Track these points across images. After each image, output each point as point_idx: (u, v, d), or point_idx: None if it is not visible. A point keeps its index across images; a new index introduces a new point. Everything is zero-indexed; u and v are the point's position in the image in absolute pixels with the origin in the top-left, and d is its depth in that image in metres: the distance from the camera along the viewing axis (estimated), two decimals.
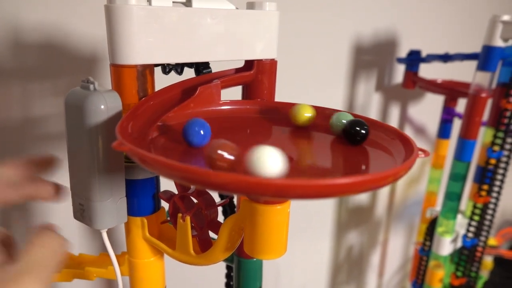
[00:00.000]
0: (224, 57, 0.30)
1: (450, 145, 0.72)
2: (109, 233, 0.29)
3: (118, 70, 0.26)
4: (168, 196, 0.30)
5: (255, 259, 0.37)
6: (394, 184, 0.88)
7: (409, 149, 0.22)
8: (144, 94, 0.27)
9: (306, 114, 0.29)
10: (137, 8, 0.25)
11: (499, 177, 0.59)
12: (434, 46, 0.77)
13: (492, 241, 0.78)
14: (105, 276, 0.33)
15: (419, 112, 0.84)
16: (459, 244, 0.65)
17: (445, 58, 0.64)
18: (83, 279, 0.33)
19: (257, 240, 0.24)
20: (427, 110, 0.83)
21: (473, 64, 0.57)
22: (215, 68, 0.32)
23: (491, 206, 0.61)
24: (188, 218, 0.27)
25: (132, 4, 0.25)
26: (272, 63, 0.33)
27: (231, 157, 0.20)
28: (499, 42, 0.53)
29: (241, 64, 0.33)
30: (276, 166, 0.18)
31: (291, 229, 0.25)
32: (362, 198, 0.83)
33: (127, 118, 0.24)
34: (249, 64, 0.32)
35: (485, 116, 0.58)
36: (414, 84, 0.71)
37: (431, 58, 0.66)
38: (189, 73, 0.31)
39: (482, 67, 0.55)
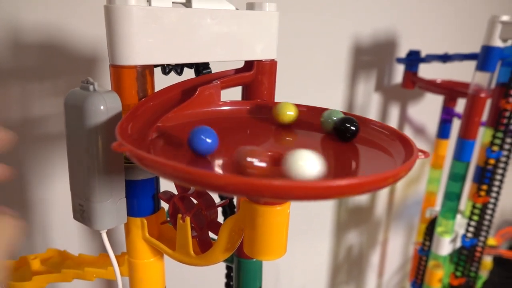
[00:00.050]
0: (224, 57, 0.30)
1: (450, 145, 0.72)
2: (109, 233, 0.29)
3: (117, 70, 0.26)
4: (168, 196, 0.30)
5: (255, 260, 0.37)
6: (393, 185, 0.88)
7: (409, 150, 0.22)
8: (144, 95, 0.27)
9: (289, 112, 0.29)
10: (136, 8, 0.25)
11: (498, 177, 0.59)
12: (434, 46, 0.77)
13: (491, 241, 0.78)
14: (105, 277, 0.33)
15: (418, 112, 0.84)
16: (458, 244, 0.65)
17: (445, 58, 0.64)
18: (82, 279, 0.33)
19: (257, 241, 0.24)
20: (427, 110, 0.83)
21: (472, 64, 0.57)
22: (215, 69, 0.32)
23: (490, 206, 0.61)
24: (188, 219, 0.27)
25: (132, 5, 0.25)
26: (272, 64, 0.33)
27: (263, 164, 0.19)
28: (498, 42, 0.53)
29: (241, 65, 0.33)
30: (315, 169, 0.18)
31: (290, 229, 0.25)
32: (362, 198, 0.83)
33: (127, 119, 0.24)
34: (249, 64, 0.32)
35: (484, 116, 0.58)
36: (414, 84, 0.71)
37: (430, 58, 0.66)
38: (189, 74, 0.31)
39: (481, 67, 0.55)
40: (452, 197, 0.61)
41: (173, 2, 0.27)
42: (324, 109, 0.30)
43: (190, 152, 0.24)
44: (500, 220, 1.16)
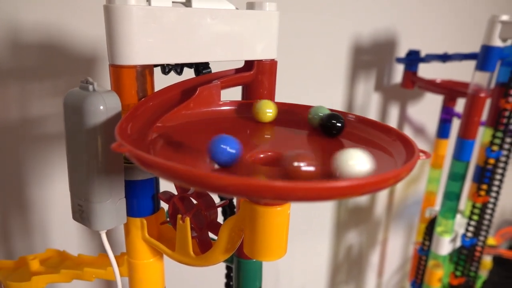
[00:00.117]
0: (224, 57, 0.30)
1: (449, 145, 0.72)
2: (109, 233, 0.29)
3: (117, 70, 0.26)
4: (168, 197, 0.30)
5: (254, 260, 0.37)
6: (393, 185, 0.88)
7: (410, 150, 0.22)
8: (144, 95, 0.27)
9: (268, 110, 0.29)
10: (136, 8, 0.25)
11: (498, 176, 0.59)
12: (433, 46, 0.77)
13: (491, 241, 0.78)
14: (104, 277, 0.33)
15: (418, 112, 0.84)
16: (458, 243, 0.65)
17: (444, 58, 0.64)
18: (82, 280, 0.33)
19: (257, 242, 0.24)
20: (426, 110, 0.83)
21: (472, 64, 0.57)
22: (215, 69, 0.32)
23: (490, 205, 0.61)
24: (187, 219, 0.27)
25: (132, 4, 0.24)
26: (272, 64, 0.32)
27: (311, 168, 0.19)
28: (498, 42, 0.53)
29: (241, 65, 0.33)
30: (366, 167, 0.19)
31: (290, 229, 0.25)
32: (362, 198, 0.83)
33: (127, 119, 0.24)
34: (249, 64, 0.32)
35: (484, 116, 0.58)
36: (413, 84, 0.71)
37: (430, 58, 0.66)
38: (188, 74, 0.31)
39: (481, 67, 0.55)
40: (452, 197, 0.61)
41: (173, 2, 0.27)
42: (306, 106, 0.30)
43: (190, 152, 0.24)
44: (499, 220, 1.16)
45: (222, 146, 0.20)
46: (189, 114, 0.28)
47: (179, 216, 0.27)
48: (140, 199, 0.29)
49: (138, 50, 0.26)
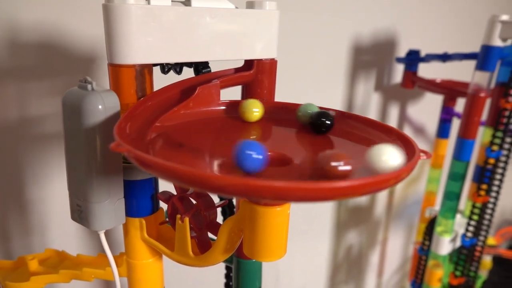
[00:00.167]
0: (224, 56, 0.30)
1: (449, 145, 0.71)
2: (108, 233, 0.29)
3: (116, 69, 0.26)
4: (167, 197, 0.29)
5: (254, 260, 0.36)
6: (394, 186, 0.88)
7: (410, 150, 0.22)
8: (143, 94, 0.27)
9: (255, 109, 0.29)
10: (135, 7, 0.24)
11: (498, 176, 0.59)
12: (433, 46, 0.77)
13: (491, 241, 0.78)
14: (103, 277, 0.33)
15: (418, 111, 0.84)
16: (458, 243, 0.65)
17: (444, 57, 0.64)
18: (81, 280, 0.33)
19: (256, 242, 0.23)
20: (426, 109, 0.83)
21: (472, 63, 0.57)
22: (214, 68, 0.31)
23: (490, 205, 0.61)
24: (187, 219, 0.27)
25: (131, 3, 0.24)
26: (272, 63, 0.32)
27: (348, 168, 0.19)
28: (498, 42, 0.53)
29: (240, 64, 0.33)
30: (398, 161, 0.19)
31: (290, 229, 0.25)
32: (362, 198, 0.83)
33: (125, 118, 0.23)
34: (248, 63, 0.32)
35: (484, 115, 0.57)
36: (413, 83, 0.71)
37: (430, 57, 0.66)
38: (188, 73, 0.31)
39: (481, 66, 0.55)
40: (452, 197, 0.61)
41: (172, 1, 0.27)
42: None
43: (190, 152, 0.24)
44: (499, 220, 1.16)
45: (247, 152, 0.19)
46: (188, 114, 0.28)
47: (178, 216, 0.27)
48: (139, 199, 0.29)
49: (137, 49, 0.25)
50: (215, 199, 0.31)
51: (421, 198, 0.81)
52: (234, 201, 0.38)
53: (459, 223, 0.65)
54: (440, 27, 0.81)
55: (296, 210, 0.68)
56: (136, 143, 0.23)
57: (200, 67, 0.31)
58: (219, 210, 0.30)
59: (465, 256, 0.64)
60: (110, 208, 0.27)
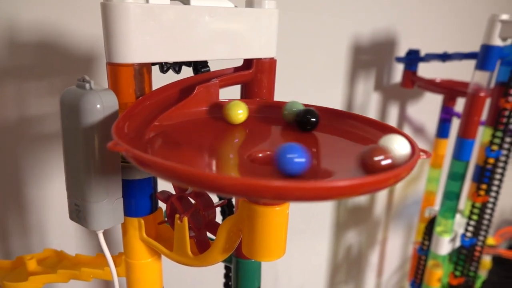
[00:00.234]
0: (223, 55, 0.29)
1: (449, 145, 0.71)
2: (106, 233, 0.28)
3: (114, 68, 0.26)
4: (166, 196, 0.29)
5: (253, 260, 0.36)
6: (393, 185, 0.88)
7: (411, 150, 0.22)
8: (141, 93, 0.27)
9: (240, 111, 0.28)
10: (134, 5, 0.24)
11: (497, 176, 0.59)
12: (433, 46, 0.77)
13: (490, 241, 0.78)
14: (102, 277, 0.32)
15: (418, 111, 0.83)
16: (457, 243, 0.65)
17: (444, 57, 0.64)
18: (79, 280, 0.33)
19: (255, 242, 0.23)
20: (426, 109, 0.83)
21: (471, 63, 0.57)
22: (213, 67, 0.31)
23: (490, 205, 0.61)
24: (185, 219, 0.27)
25: (129, 2, 0.24)
26: (271, 62, 0.32)
27: (389, 161, 0.19)
28: (497, 41, 0.53)
29: (240, 63, 0.33)
30: (407, 149, 0.20)
31: (289, 228, 0.25)
32: (361, 198, 0.83)
33: (124, 117, 0.23)
34: (248, 63, 0.32)
35: (484, 115, 0.57)
36: (413, 83, 0.71)
37: (429, 57, 0.66)
38: (187, 72, 0.31)
39: (480, 66, 0.55)
40: (452, 197, 0.61)
41: None
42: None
43: (189, 151, 0.24)
44: (499, 220, 1.16)
45: (289, 156, 0.18)
46: (187, 113, 0.28)
47: (177, 216, 0.27)
48: (138, 199, 0.29)
49: (136, 48, 0.25)
50: (214, 199, 0.31)
51: (420, 198, 0.81)
52: (234, 200, 0.38)
53: (459, 223, 0.65)
54: (440, 27, 0.81)
55: (296, 210, 0.68)
56: (134, 142, 0.23)
57: (199, 66, 0.31)
58: (218, 209, 0.30)
59: (464, 256, 0.64)
60: (108, 208, 0.26)
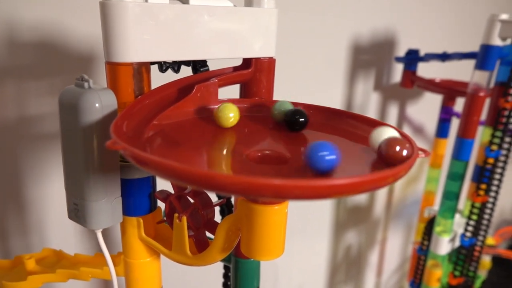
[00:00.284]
0: (222, 55, 0.29)
1: (448, 144, 0.71)
2: (105, 233, 0.28)
3: (113, 68, 0.26)
4: (165, 195, 0.29)
5: (252, 259, 0.36)
6: (392, 184, 0.88)
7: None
8: (140, 93, 0.27)
9: (231, 114, 0.27)
10: (132, 4, 0.24)
11: (497, 176, 0.59)
12: (432, 45, 0.77)
13: (490, 241, 0.78)
14: (101, 277, 0.32)
15: (417, 111, 0.83)
16: (457, 243, 0.65)
17: (443, 57, 0.64)
18: (78, 279, 0.33)
19: (254, 241, 0.23)
20: (425, 109, 0.83)
21: (471, 63, 0.57)
22: (212, 66, 0.31)
23: (489, 205, 0.61)
24: (184, 218, 0.27)
25: (128, 1, 0.24)
26: (271, 62, 0.32)
27: (406, 152, 0.20)
28: (497, 41, 0.53)
29: (239, 62, 0.33)
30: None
31: (288, 228, 0.25)
32: (361, 197, 0.83)
33: (122, 116, 0.23)
34: (247, 62, 0.32)
35: (483, 115, 0.57)
36: (412, 83, 0.71)
37: (429, 57, 0.66)
38: (186, 72, 0.31)
39: (480, 66, 0.55)
40: (451, 197, 0.61)
41: None
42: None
43: (188, 150, 0.23)
44: (499, 220, 1.16)
45: (320, 154, 0.19)
46: (186, 112, 0.28)
47: (176, 215, 0.27)
48: (137, 198, 0.29)
49: (135, 48, 0.25)
50: (213, 198, 0.31)
51: (420, 198, 0.81)
52: (233, 200, 0.38)
53: (458, 223, 0.65)
54: (440, 27, 0.81)
55: (295, 209, 0.68)
56: (133, 141, 0.23)
57: (198, 65, 0.31)
58: (217, 209, 0.30)
59: (464, 256, 0.64)
60: (107, 207, 0.26)
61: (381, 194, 0.87)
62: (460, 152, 0.58)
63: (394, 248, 0.97)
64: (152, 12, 0.25)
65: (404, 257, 1.00)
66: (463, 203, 0.64)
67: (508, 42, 0.53)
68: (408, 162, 0.19)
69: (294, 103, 0.30)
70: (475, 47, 0.57)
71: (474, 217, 0.61)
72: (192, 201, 0.28)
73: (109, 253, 0.30)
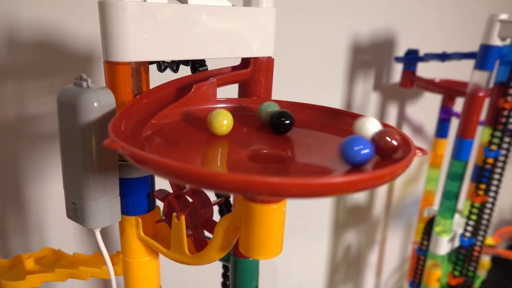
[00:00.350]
0: (220, 54, 0.29)
1: (448, 144, 0.71)
2: (104, 232, 0.28)
3: (112, 67, 0.26)
4: (163, 195, 0.29)
5: (251, 259, 0.36)
6: (391, 184, 0.88)
7: (406, 147, 0.22)
8: (139, 92, 0.27)
9: (225, 121, 0.25)
10: (131, 4, 0.24)
11: (496, 176, 0.59)
12: (432, 45, 0.77)
13: (489, 241, 0.78)
14: (99, 276, 0.32)
15: (417, 111, 0.83)
16: (456, 243, 0.65)
17: (443, 57, 0.64)
18: (77, 279, 0.33)
19: (252, 240, 0.23)
20: (425, 109, 0.83)
21: (470, 63, 0.57)
22: (211, 66, 0.31)
23: (489, 205, 0.61)
24: (183, 217, 0.27)
25: (126, 1, 0.24)
26: (269, 61, 0.32)
27: (395, 143, 0.22)
28: (496, 41, 0.53)
29: (237, 62, 0.33)
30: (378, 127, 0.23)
31: (288, 228, 0.25)
32: (360, 197, 0.83)
33: (120, 116, 0.23)
34: (245, 61, 0.32)
35: (483, 115, 0.57)
36: (412, 83, 0.71)
37: (428, 57, 0.66)
38: (184, 71, 0.31)
39: (479, 66, 0.55)
40: (450, 197, 0.61)
41: None
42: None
43: (186, 149, 0.24)
44: (498, 220, 1.16)
45: (355, 148, 0.20)
46: (184, 112, 0.28)
47: (174, 214, 0.27)
48: (135, 197, 0.29)
49: (133, 47, 0.25)
50: (212, 197, 0.31)
51: (419, 198, 0.81)
52: (232, 199, 0.38)
53: (458, 223, 0.65)
54: (439, 27, 0.81)
55: (294, 209, 0.68)
56: (131, 140, 0.23)
57: (197, 65, 0.31)
58: (216, 208, 0.30)
59: (463, 256, 0.64)
60: (105, 206, 0.26)
61: (381, 194, 0.87)
62: (460, 152, 0.58)
63: (393, 248, 0.96)
64: (150, 11, 0.25)
65: (403, 257, 1.00)
66: (463, 203, 0.64)
67: (507, 42, 0.53)
68: (406, 161, 0.19)
69: (277, 101, 0.30)
70: (474, 47, 0.57)
71: (474, 217, 0.61)
72: (190, 200, 0.28)
73: (107, 253, 0.30)
